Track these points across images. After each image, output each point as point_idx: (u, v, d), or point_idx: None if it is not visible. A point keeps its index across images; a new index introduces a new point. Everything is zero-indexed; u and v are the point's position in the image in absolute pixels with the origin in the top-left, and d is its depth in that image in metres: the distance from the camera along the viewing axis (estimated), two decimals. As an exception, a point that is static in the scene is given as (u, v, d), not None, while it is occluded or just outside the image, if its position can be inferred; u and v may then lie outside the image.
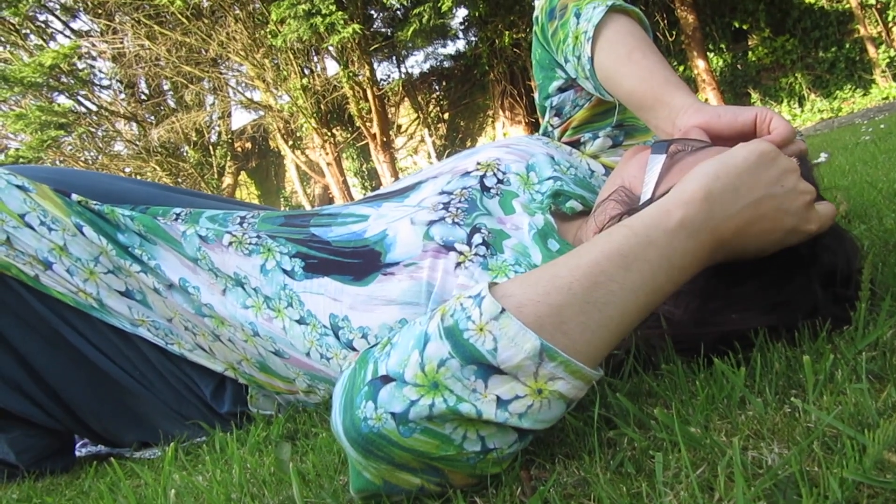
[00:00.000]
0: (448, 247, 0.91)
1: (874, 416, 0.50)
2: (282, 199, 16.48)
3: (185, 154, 15.48)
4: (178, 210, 1.07)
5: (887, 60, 10.71)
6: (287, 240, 1.01)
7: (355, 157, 14.55)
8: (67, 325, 1.05)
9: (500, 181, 0.99)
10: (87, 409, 1.11)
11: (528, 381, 0.53)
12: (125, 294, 1.04)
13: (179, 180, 14.99)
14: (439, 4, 9.80)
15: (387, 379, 0.53)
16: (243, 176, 16.80)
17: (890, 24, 10.92)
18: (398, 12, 12.31)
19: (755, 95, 11.70)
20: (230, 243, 1.02)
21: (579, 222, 0.97)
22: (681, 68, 11.86)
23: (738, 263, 0.70)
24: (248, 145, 16.62)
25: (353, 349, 0.93)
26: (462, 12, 12.38)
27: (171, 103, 15.57)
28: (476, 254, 0.90)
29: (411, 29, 10.52)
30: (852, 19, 10.97)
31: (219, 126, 15.72)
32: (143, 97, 15.42)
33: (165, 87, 15.47)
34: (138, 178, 13.69)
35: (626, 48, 0.89)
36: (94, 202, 1.03)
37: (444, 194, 0.99)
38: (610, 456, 0.58)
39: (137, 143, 14.93)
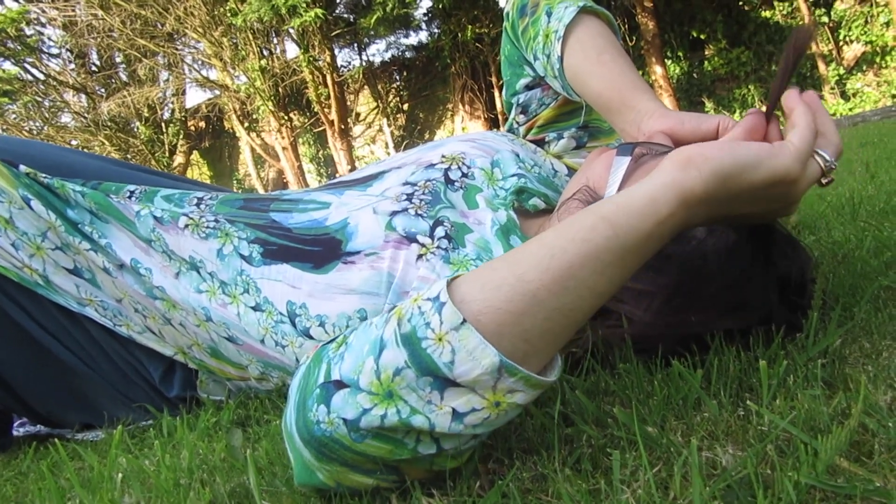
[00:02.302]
0: (410, 238, 0.91)
1: (826, 422, 0.52)
2: (234, 182, 16.20)
3: (135, 130, 15.07)
4: (131, 188, 1.03)
5: (836, 78, 11.09)
6: (246, 224, 0.99)
7: (312, 142, 14.39)
8: (11, 300, 1.01)
9: (464, 175, 0.99)
10: (27, 388, 1.08)
11: (486, 394, 0.51)
12: (73, 272, 1.01)
13: (129, 156, 14.59)
14: (404, -7, 9.74)
15: (340, 384, 0.52)
16: (196, 156, 16.46)
17: (840, 43, 11.30)
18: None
19: (709, 104, 11.98)
20: (186, 226, 0.99)
21: (542, 220, 0.98)
22: (641, 73, 12.02)
23: (700, 266, 0.72)
24: (202, 125, 16.28)
25: (310, 337, 0.92)
26: (426, 3, 12.35)
27: (123, 77, 15.13)
28: (438, 246, 0.90)
29: (375, 17, 10.45)
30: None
31: (172, 103, 15.35)
32: (94, 69, 14.95)
33: (118, 60, 15.03)
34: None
35: (595, 50, 0.89)
36: (44, 175, 0.99)
37: (407, 185, 0.98)
38: (567, 452, 0.58)
39: (86, 115, 14.48)
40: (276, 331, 0.93)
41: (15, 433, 1.27)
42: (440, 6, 11.57)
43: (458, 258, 0.89)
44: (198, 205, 1.02)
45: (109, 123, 14.40)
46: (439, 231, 0.91)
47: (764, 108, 0.67)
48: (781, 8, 11.69)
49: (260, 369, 0.99)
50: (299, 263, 0.94)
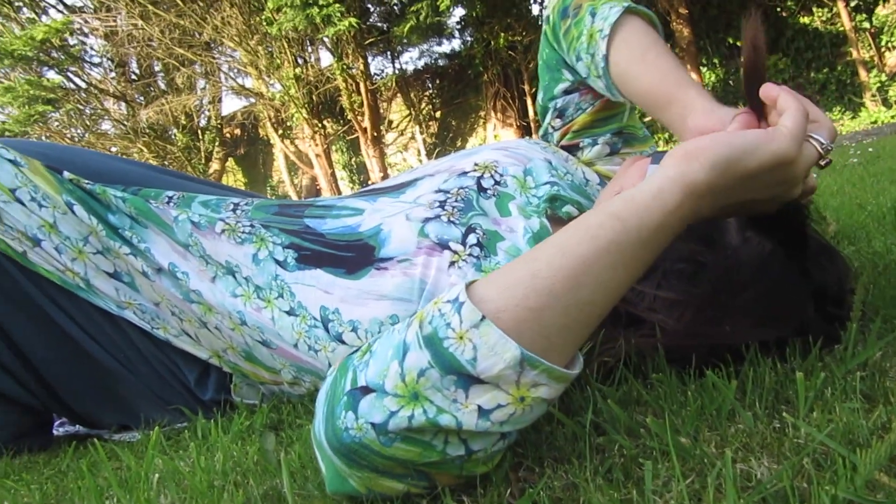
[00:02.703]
0: (443, 245, 0.91)
1: (865, 436, 0.51)
2: (268, 189, 16.39)
3: (172, 137, 15.35)
4: (170, 193, 1.05)
5: (878, 85, 10.84)
6: (280, 230, 1.00)
7: (345, 149, 14.51)
8: (53, 303, 1.03)
9: (496, 183, 0.99)
10: (67, 388, 1.10)
11: (510, 389, 0.52)
12: (113, 275, 1.03)
13: (166, 163, 14.86)
14: (437, 2, 9.79)
15: (366, 389, 0.53)
16: (231, 162, 16.69)
17: (882, 49, 11.06)
18: (395, 8, 12.30)
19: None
20: (223, 231, 1.01)
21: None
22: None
23: (734, 276, 0.71)
24: (238, 132, 16.52)
25: (343, 342, 0.92)
26: (459, 11, 12.38)
27: (162, 85, 15.43)
28: (470, 254, 0.90)
29: (408, 25, 10.51)
30: (845, 42, 11.10)
31: (208, 111, 15.61)
32: (134, 77, 15.27)
33: (156, 69, 15.34)
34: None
35: (641, 48, 0.88)
36: (86, 181, 1.01)
37: (440, 192, 0.99)
38: (599, 462, 0.58)
39: (125, 122, 14.78)
40: (310, 335, 0.94)
41: (55, 433, 1.30)
42: (473, 14, 11.60)
43: (490, 266, 0.89)
44: (234, 210, 1.04)
45: (148, 131, 14.68)
46: (471, 238, 0.91)
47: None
48: (820, 14, 11.49)
49: (293, 374, 1.00)
50: (332, 269, 0.95)
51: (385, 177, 13.17)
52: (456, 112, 14.40)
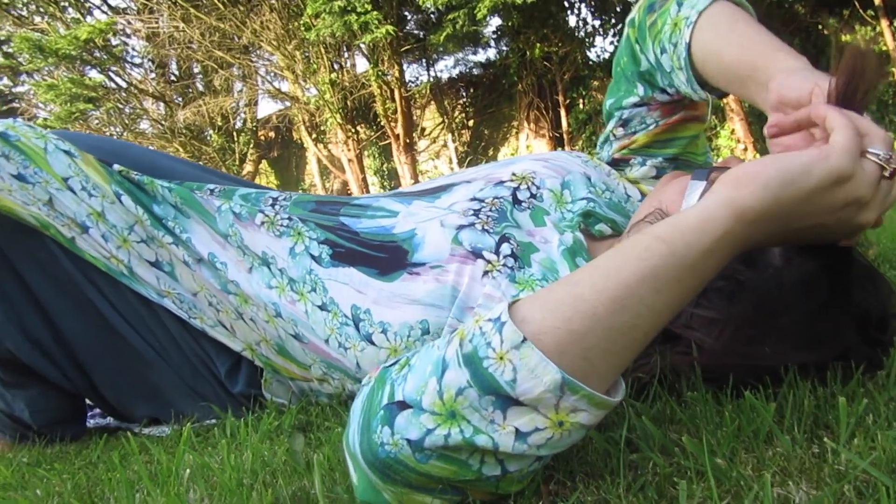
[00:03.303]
0: (476, 253, 0.91)
1: (910, 465, 0.50)
2: (300, 192, 16.53)
3: (208, 138, 15.55)
4: (211, 186, 1.08)
5: (920, 106, 10.63)
6: (317, 225, 1.02)
7: (377, 155, 14.58)
8: (96, 289, 1.07)
9: (532, 195, 0.99)
10: (103, 375, 1.13)
11: (548, 413, 0.51)
12: (154, 264, 1.06)
13: (201, 163, 15.06)
14: (475, 11, 9.80)
15: (403, 405, 0.52)
16: (264, 164, 16.86)
17: (926, 70, 10.84)
18: (432, 16, 12.33)
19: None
20: (262, 223, 1.04)
21: (609, 242, 0.97)
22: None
23: (775, 296, 0.70)
24: (272, 135, 16.69)
25: (372, 343, 0.93)
26: (496, 21, 12.39)
27: (200, 86, 15.65)
28: (504, 265, 0.90)
29: (444, 33, 10.53)
30: (889, 61, 10.89)
31: (244, 113, 15.80)
32: (173, 78, 15.52)
33: (195, 70, 15.57)
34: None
35: (729, 23, 0.83)
36: (135, 173, 1.05)
37: (475, 201, 0.99)
38: (632, 479, 0.57)
39: (163, 122, 15.01)
40: (341, 332, 0.95)
41: (87, 424, 1.32)
42: (510, 24, 11.59)
43: (524, 277, 0.89)
44: (273, 205, 1.06)
45: (184, 131, 14.89)
46: (505, 248, 0.91)
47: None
48: (864, 32, 11.30)
49: (322, 370, 1.01)
50: (365, 268, 0.96)
51: (416, 183, 13.19)
52: (489, 121, 14.40)
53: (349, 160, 13.31)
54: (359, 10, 9.93)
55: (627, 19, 1.05)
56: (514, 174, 1.03)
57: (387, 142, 13.51)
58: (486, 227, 0.94)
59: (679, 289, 0.54)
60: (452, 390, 0.51)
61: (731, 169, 0.58)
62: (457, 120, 14.50)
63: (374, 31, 10.08)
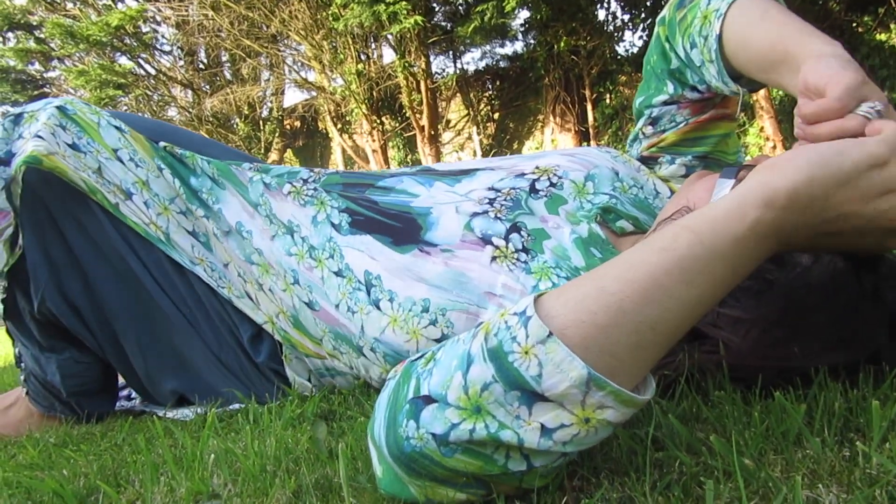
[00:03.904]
0: (486, 240, 0.93)
1: (945, 472, 0.49)
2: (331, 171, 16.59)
3: (235, 126, 15.67)
4: (248, 164, 1.16)
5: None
6: (339, 195, 1.08)
7: (401, 146, 14.58)
8: (134, 253, 1.12)
9: (552, 185, 0.99)
10: (135, 343, 1.15)
11: (574, 409, 0.50)
12: (191, 233, 1.13)
13: (228, 151, 15.16)
14: (503, 4, 9.75)
15: (429, 399, 0.52)
16: (289, 154, 16.95)
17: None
18: (460, 7, 12.28)
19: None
20: (289, 192, 1.10)
21: (633, 239, 0.96)
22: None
23: (804, 296, 0.68)
24: (297, 124, 16.76)
25: (379, 308, 0.96)
26: (524, 14, 12.30)
27: (228, 75, 15.77)
28: (518, 259, 0.90)
29: (472, 25, 10.49)
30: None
31: (271, 102, 15.89)
32: (201, 66, 15.64)
33: (223, 59, 15.68)
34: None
35: (760, 11, 0.81)
36: (179, 148, 1.13)
37: (492, 190, 1.01)
38: (657, 477, 0.57)
39: (190, 110, 15.16)
40: (352, 297, 0.99)
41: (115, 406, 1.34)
42: (538, 17, 11.51)
43: (539, 265, 0.89)
44: (304, 182, 1.12)
45: (212, 119, 15.03)
46: (514, 238, 0.92)
47: None
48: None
49: (332, 343, 1.03)
50: (381, 236, 1.00)
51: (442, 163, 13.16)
52: (514, 115, 14.34)
53: (374, 151, 13.34)
54: (388, 0, 9.92)
55: (658, 17, 1.04)
56: (537, 167, 1.03)
57: (412, 133, 13.51)
58: (498, 215, 0.96)
59: (710, 281, 0.52)
60: (478, 385, 0.51)
61: (768, 160, 0.57)
62: (482, 112, 14.45)
63: (402, 21, 10.07)
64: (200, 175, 1.12)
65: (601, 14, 12.60)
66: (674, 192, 1.06)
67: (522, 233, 0.93)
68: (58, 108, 1.08)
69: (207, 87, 15.63)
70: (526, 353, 0.50)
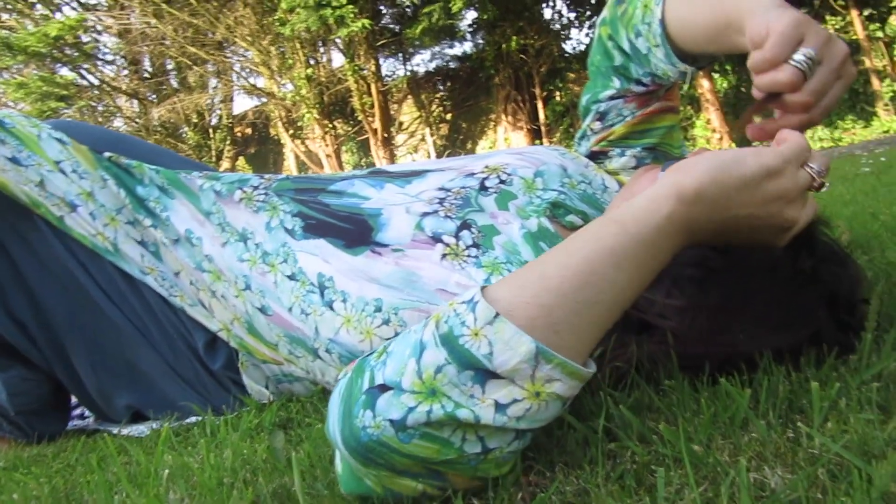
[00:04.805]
0: (436, 238, 0.94)
1: (881, 447, 0.51)
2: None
3: (184, 135, 15.42)
4: (197, 172, 1.13)
5: (891, 94, 10.80)
6: (291, 199, 1.06)
7: (355, 150, 14.55)
8: (81, 267, 1.09)
9: (501, 182, 1.00)
10: (85, 358, 1.13)
11: (525, 384, 0.53)
12: (140, 243, 1.10)
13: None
14: (450, 5, 9.81)
15: (384, 388, 0.54)
16: (241, 161, 16.75)
17: (895, 59, 11.02)
18: (408, 10, 12.30)
19: (758, 119, 11.76)
20: (240, 199, 1.08)
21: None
22: (685, 87, 11.93)
23: (745, 282, 0.71)
24: (248, 131, 16.59)
25: (332, 309, 0.96)
26: (471, 14, 12.38)
27: (174, 83, 15.50)
28: (468, 255, 0.91)
29: (420, 27, 10.54)
30: (859, 51, 11.05)
31: (220, 110, 15.67)
32: (146, 75, 15.35)
33: (169, 67, 15.42)
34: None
35: None
36: (125, 158, 1.10)
37: (442, 190, 1.02)
38: (611, 468, 0.58)
39: (137, 120, 14.86)
40: (305, 300, 0.98)
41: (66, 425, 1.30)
42: (485, 17, 11.60)
43: (489, 260, 0.90)
44: (254, 188, 1.10)
45: (160, 128, 14.77)
46: (465, 235, 0.93)
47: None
48: (834, 22, 11.45)
49: (287, 348, 1.03)
50: (333, 239, 0.99)
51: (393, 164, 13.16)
52: (466, 115, 14.42)
53: (327, 155, 13.26)
54: (333, 4, 9.88)
55: (599, 20, 1.06)
56: (486, 166, 1.04)
57: (364, 136, 13.48)
58: (448, 214, 0.97)
59: (635, 265, 0.58)
60: (431, 369, 0.53)
61: (682, 161, 0.63)
62: (434, 114, 14.50)
63: (349, 24, 10.05)
64: (148, 184, 1.10)
65: (547, 13, 12.76)
66: (623, 185, 1.08)
67: (472, 229, 0.94)
68: None
69: (154, 96, 15.35)
70: (476, 334, 0.53)
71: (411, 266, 0.93)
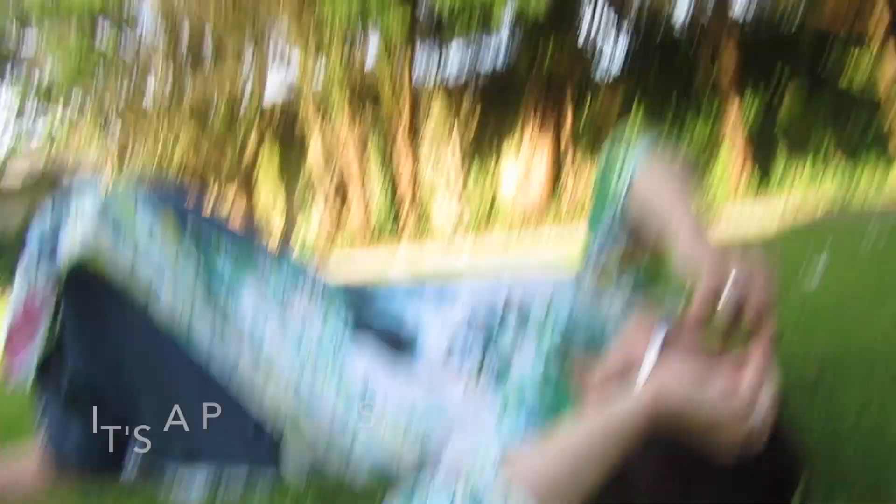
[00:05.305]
0: (461, 370, 1.11)
1: None
2: (301, 179, 16.49)
3: (211, 125, 15.45)
4: (263, 255, 1.27)
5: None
6: (344, 308, 1.22)
7: (381, 146, 14.62)
8: (159, 337, 1.21)
9: (518, 323, 1.13)
10: (155, 420, 1.25)
11: None
12: (210, 321, 1.21)
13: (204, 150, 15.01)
14: (490, 15, 9.84)
15: None
16: (267, 147, 16.81)
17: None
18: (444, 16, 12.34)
19: (781, 146, 11.79)
20: (298, 302, 1.22)
21: (586, 370, 1.10)
22: (715, 105, 12.00)
23: (691, 469, 0.85)
24: (275, 124, 16.56)
25: (369, 421, 1.12)
26: (508, 17, 12.41)
27: (208, 54, 15.56)
28: (486, 390, 1.06)
29: (456, 30, 10.58)
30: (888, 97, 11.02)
31: (250, 90, 15.71)
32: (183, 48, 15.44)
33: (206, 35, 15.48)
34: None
35: (651, 193, 1.10)
36: (205, 230, 1.23)
37: (466, 324, 1.16)
38: None
39: (167, 102, 14.93)
40: (346, 407, 1.14)
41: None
42: (524, 25, 11.66)
43: (503, 396, 1.07)
44: (311, 294, 1.24)
45: (189, 112, 14.79)
46: (484, 375, 1.10)
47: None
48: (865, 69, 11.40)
49: (324, 446, 1.17)
50: (377, 352, 1.15)
51: (416, 180, 13.33)
52: (495, 117, 14.44)
53: (354, 146, 13.37)
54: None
55: (599, 166, 1.26)
56: (507, 300, 1.16)
57: (393, 130, 13.57)
58: (472, 350, 1.13)
59: (615, 453, 0.81)
60: None
61: (663, 376, 0.84)
62: (463, 115, 14.54)
63: (389, 11, 10.10)
64: (224, 258, 1.22)
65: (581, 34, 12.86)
66: (622, 318, 1.19)
67: (489, 370, 1.09)
68: (101, 204, 1.17)
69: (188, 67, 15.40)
70: None
71: (438, 397, 1.09)
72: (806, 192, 9.95)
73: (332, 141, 14.15)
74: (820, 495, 0.91)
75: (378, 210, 14.00)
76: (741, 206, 8.97)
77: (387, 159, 14.26)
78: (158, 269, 1.17)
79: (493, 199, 14.03)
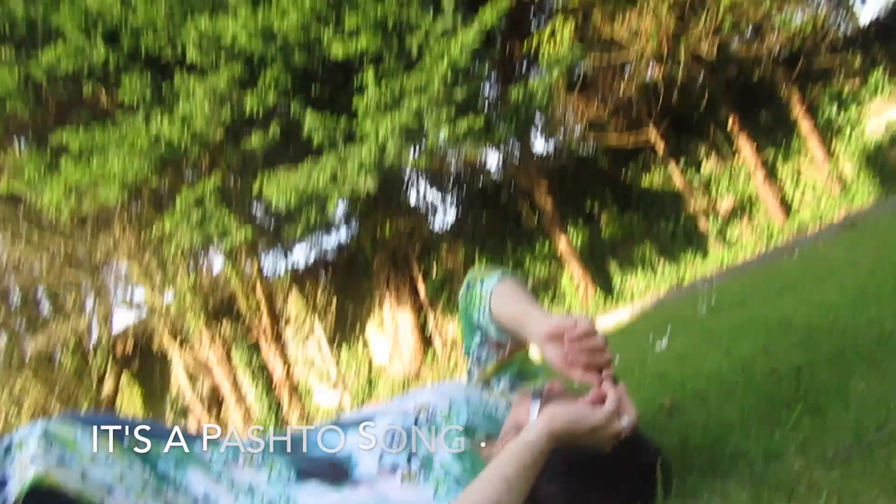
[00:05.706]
0: (394, 469, 1.36)
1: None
2: (167, 400, 15.93)
3: (60, 362, 14.84)
4: (200, 443, 1.41)
5: (717, 229, 12.44)
6: (282, 453, 1.41)
7: (245, 350, 14.53)
8: None
9: (428, 419, 1.45)
10: None
11: None
12: None
13: (56, 390, 14.26)
14: (325, 205, 10.47)
15: None
16: (125, 378, 16.19)
17: (714, 199, 12.81)
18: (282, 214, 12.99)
19: (613, 265, 13.10)
20: (244, 461, 1.38)
21: (490, 446, 1.45)
22: (546, 244, 13.21)
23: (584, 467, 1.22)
24: (130, 346, 16.16)
25: None
26: (342, 205, 13.21)
27: (45, 310, 15.11)
28: (419, 477, 1.34)
29: (299, 228, 11.12)
30: (681, 199, 12.80)
31: (99, 329, 15.32)
32: (15, 307, 14.92)
33: (40, 295, 15.10)
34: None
35: (506, 298, 1.46)
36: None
37: (389, 434, 1.43)
38: None
39: (7, 355, 14.23)
40: None
41: None
42: (357, 208, 12.47)
43: (434, 478, 1.34)
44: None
45: (33, 361, 14.16)
46: (414, 462, 1.36)
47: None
48: (658, 174, 13.22)
49: None
50: (320, 480, 1.35)
51: (289, 373, 13.32)
52: (352, 298, 14.93)
53: (217, 361, 13.22)
54: (216, 217, 10.34)
55: (460, 294, 1.62)
56: (416, 406, 1.49)
57: (254, 337, 13.60)
58: (399, 450, 1.39)
59: (526, 478, 1.14)
60: None
61: (546, 414, 1.18)
62: (320, 303, 14.92)
63: (233, 235, 10.49)
64: (165, 460, 1.33)
65: (413, 198, 13.90)
66: (510, 403, 1.57)
67: (417, 457, 1.37)
68: (43, 431, 1.24)
69: (23, 328, 14.82)
70: None
71: (382, 491, 1.33)
72: (644, 297, 11.18)
73: (195, 359, 13.90)
74: (674, 483, 1.28)
75: (258, 408, 13.69)
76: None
77: (255, 365, 14.12)
78: (107, 484, 1.25)
79: (370, 373, 14.22)
